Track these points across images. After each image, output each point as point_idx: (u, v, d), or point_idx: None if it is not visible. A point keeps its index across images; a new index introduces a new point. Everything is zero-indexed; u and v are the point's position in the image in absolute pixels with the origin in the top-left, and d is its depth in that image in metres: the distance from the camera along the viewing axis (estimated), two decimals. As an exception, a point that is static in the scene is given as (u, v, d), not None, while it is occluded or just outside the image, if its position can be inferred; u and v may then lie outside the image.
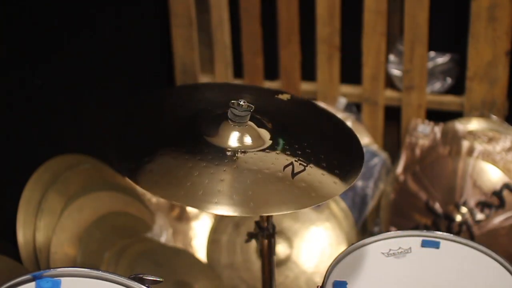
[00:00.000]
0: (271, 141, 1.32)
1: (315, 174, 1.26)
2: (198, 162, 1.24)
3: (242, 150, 1.28)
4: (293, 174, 1.24)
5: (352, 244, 1.34)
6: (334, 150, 1.36)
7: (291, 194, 1.22)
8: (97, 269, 1.16)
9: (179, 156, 1.25)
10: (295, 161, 1.27)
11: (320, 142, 1.37)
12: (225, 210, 1.18)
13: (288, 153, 1.29)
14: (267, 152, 1.29)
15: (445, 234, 1.38)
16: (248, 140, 1.30)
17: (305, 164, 1.27)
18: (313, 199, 1.23)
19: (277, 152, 1.29)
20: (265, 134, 1.33)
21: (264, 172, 1.24)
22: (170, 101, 1.48)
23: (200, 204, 1.18)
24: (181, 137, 1.32)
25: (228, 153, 1.27)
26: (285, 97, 1.51)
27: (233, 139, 1.30)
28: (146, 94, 1.48)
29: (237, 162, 1.25)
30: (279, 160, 1.27)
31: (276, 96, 1.52)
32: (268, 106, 1.45)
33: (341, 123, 1.50)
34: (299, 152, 1.30)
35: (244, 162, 1.25)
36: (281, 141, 1.32)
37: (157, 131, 1.35)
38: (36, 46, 1.89)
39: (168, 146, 1.29)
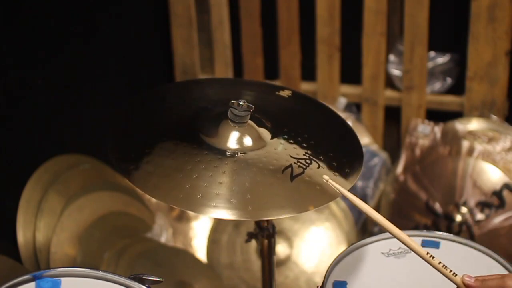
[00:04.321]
0: (271, 141, 1.30)
1: (314, 176, 1.25)
2: (197, 163, 1.22)
3: (242, 151, 1.26)
4: (292, 177, 1.23)
5: (352, 244, 1.34)
6: (334, 151, 1.34)
7: (289, 198, 1.20)
8: (97, 269, 1.16)
9: (178, 157, 1.24)
10: (294, 163, 1.26)
11: (320, 142, 1.35)
12: (224, 214, 1.16)
13: (289, 154, 1.27)
14: (267, 153, 1.27)
15: (445, 234, 1.37)
16: (248, 141, 1.28)
17: (304, 167, 1.26)
18: (312, 203, 1.22)
19: (277, 153, 1.27)
20: (266, 134, 1.31)
21: (263, 175, 1.22)
22: (170, 98, 1.45)
23: (199, 208, 1.16)
24: (180, 138, 1.30)
25: (228, 155, 1.25)
26: (286, 93, 1.49)
27: (232, 140, 1.28)
28: (145, 92, 1.45)
29: (236, 164, 1.23)
30: (279, 161, 1.25)
31: (276, 92, 1.49)
32: (268, 104, 1.43)
33: (342, 122, 1.48)
34: (299, 154, 1.28)
35: (243, 164, 1.23)
36: (281, 142, 1.31)
37: (156, 130, 1.33)
38: (36, 46, 1.89)
39: (168, 146, 1.28)
